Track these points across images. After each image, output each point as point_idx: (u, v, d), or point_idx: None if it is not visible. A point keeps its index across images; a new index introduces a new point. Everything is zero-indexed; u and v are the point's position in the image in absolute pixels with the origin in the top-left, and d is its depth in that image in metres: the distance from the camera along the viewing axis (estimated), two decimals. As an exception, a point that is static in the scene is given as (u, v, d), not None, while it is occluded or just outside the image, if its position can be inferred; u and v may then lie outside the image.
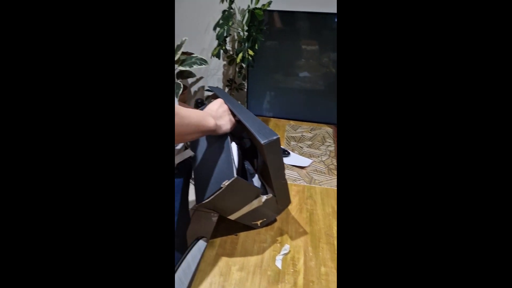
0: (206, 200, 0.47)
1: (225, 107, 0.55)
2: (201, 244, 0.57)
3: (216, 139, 0.56)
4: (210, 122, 0.49)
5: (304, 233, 0.60)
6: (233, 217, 0.54)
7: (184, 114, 0.42)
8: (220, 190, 0.45)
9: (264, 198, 0.51)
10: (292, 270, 0.53)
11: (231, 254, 0.55)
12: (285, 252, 0.55)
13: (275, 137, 0.45)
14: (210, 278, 0.51)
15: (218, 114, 0.53)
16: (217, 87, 0.67)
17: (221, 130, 0.53)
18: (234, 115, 0.57)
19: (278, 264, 0.53)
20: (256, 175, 0.60)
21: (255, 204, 0.51)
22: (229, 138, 0.54)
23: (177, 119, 0.39)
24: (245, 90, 1.33)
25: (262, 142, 0.44)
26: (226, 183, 0.44)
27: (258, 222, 0.58)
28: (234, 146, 0.54)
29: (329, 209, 0.66)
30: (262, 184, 0.58)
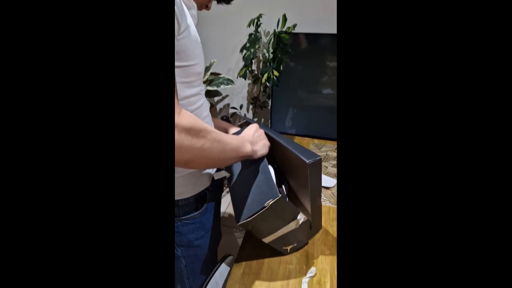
0: (247, 220, 0.48)
1: (261, 131, 0.57)
2: (228, 261, 0.59)
3: (252, 161, 0.58)
4: (247, 148, 0.50)
5: (331, 255, 0.60)
6: (267, 239, 0.55)
7: (227, 140, 0.44)
8: (263, 210, 0.46)
9: (301, 220, 0.51)
10: (318, 294, 0.52)
11: (257, 274, 0.56)
12: (311, 275, 0.55)
13: (318, 158, 0.46)
14: (237, 297, 0.52)
15: (254, 139, 0.54)
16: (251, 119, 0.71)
17: (257, 154, 0.54)
18: (269, 138, 0.59)
19: (304, 287, 0.53)
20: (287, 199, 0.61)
21: (292, 226, 0.52)
22: (266, 160, 0.56)
23: (220, 145, 0.41)
24: (269, 107, 1.37)
25: (307, 161, 0.45)
26: (270, 202, 0.45)
27: (288, 248, 0.58)
28: (271, 169, 0.57)
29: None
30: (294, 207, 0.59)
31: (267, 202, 0.45)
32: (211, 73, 1.34)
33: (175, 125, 0.33)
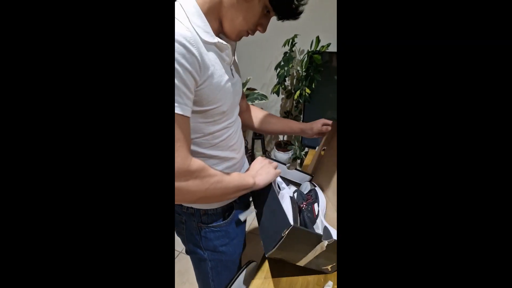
0: (271, 252, 0.53)
1: (265, 161, 0.61)
2: (251, 267, 0.64)
3: (265, 190, 0.61)
4: (249, 182, 0.54)
5: (349, 273, 0.62)
6: (301, 263, 0.58)
7: (228, 180, 0.49)
8: (282, 240, 0.50)
9: (326, 243, 0.52)
10: (334, 308, 0.55)
11: (277, 282, 0.60)
12: (328, 287, 0.58)
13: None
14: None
15: (257, 172, 0.58)
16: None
17: (260, 184, 0.57)
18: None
19: (321, 300, 0.56)
20: (320, 219, 0.63)
21: (318, 250, 0.53)
22: (273, 187, 0.60)
23: (222, 186, 0.46)
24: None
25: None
26: (285, 231, 0.48)
27: (329, 267, 0.60)
28: (286, 194, 0.61)
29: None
30: (326, 228, 0.60)
31: (283, 232, 0.49)
32: (247, 89, 1.43)
33: (184, 172, 0.39)
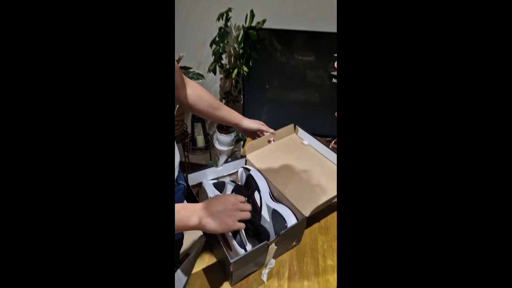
0: (232, 284, 0.55)
1: (231, 205, 0.50)
2: (191, 258, 0.60)
3: None
4: (189, 222, 0.46)
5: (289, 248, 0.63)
6: (265, 265, 0.59)
7: None
8: (232, 274, 0.51)
9: (273, 245, 0.53)
10: (276, 284, 0.56)
11: (219, 269, 0.58)
12: (271, 266, 0.58)
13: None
14: (199, 292, 0.54)
15: (211, 213, 0.48)
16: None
17: (208, 230, 0.48)
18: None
19: (264, 278, 0.56)
20: (264, 205, 0.62)
21: (272, 250, 0.54)
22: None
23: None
24: (242, 102, 1.37)
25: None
26: (230, 267, 0.49)
27: (294, 243, 0.63)
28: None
29: (315, 224, 0.69)
30: (276, 212, 0.61)
31: (229, 268, 0.50)
32: (181, 67, 1.31)
33: None
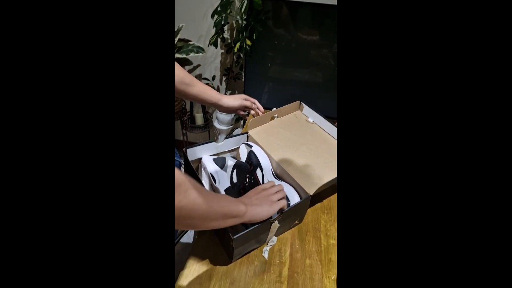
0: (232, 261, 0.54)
1: (265, 190, 0.49)
2: (191, 233, 0.59)
3: None
4: (238, 209, 0.43)
5: (292, 227, 0.62)
6: (267, 241, 0.57)
7: (211, 200, 0.38)
8: (234, 251, 0.50)
9: (276, 222, 0.51)
10: (278, 261, 0.55)
11: (219, 245, 0.57)
12: (272, 243, 0.57)
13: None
14: (198, 267, 0.53)
15: (251, 200, 0.46)
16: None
17: (253, 218, 0.46)
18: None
19: (265, 255, 0.55)
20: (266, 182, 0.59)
21: (274, 228, 0.53)
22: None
23: (201, 206, 0.36)
24: (243, 80, 1.32)
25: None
26: (232, 244, 0.48)
27: (296, 221, 0.61)
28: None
29: (318, 204, 0.68)
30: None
31: (232, 244, 0.48)
32: (180, 39, 1.24)
33: None
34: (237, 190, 0.58)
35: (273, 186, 0.51)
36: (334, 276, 0.52)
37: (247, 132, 0.72)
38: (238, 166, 0.63)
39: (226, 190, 0.57)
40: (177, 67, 0.58)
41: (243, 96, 0.68)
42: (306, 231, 0.61)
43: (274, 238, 0.58)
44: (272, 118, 0.76)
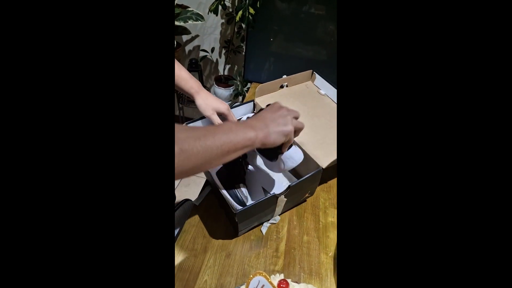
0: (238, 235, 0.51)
1: (279, 110, 0.41)
2: (187, 206, 0.57)
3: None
4: (246, 136, 0.36)
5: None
6: (276, 214, 0.55)
7: (213, 132, 0.33)
8: (238, 225, 0.48)
9: (282, 197, 0.49)
10: (275, 237, 0.54)
11: (216, 218, 0.55)
12: (274, 222, 0.55)
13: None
14: (194, 239, 0.51)
15: (263, 122, 0.39)
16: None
17: (267, 142, 0.38)
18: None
19: (263, 230, 0.54)
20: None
21: (281, 202, 0.50)
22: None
23: (205, 142, 0.31)
24: (243, 53, 1.26)
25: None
26: (235, 218, 0.46)
27: (307, 194, 0.59)
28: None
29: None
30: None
31: (235, 218, 0.46)
32: (177, 5, 1.16)
33: None
34: (231, 172, 0.53)
35: (282, 107, 0.42)
36: (331, 253, 0.52)
37: (253, 100, 0.67)
38: None
39: (217, 173, 0.52)
40: None
41: (220, 104, 0.57)
42: (305, 209, 0.59)
43: (277, 217, 0.56)
44: (281, 87, 0.71)
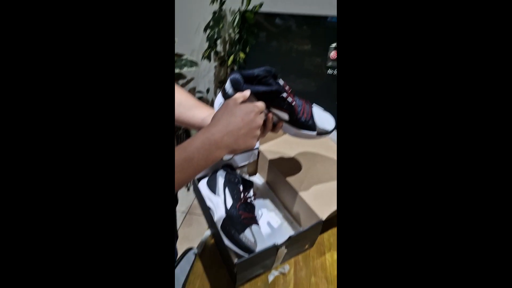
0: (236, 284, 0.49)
1: (247, 115, 0.38)
2: (190, 256, 0.56)
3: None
4: (212, 157, 0.36)
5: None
6: (275, 266, 0.53)
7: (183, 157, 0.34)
8: (236, 276, 0.46)
9: (283, 247, 0.48)
10: (282, 281, 0.52)
11: (221, 265, 0.54)
12: (283, 271, 0.54)
13: None
14: (199, 291, 0.50)
15: (227, 132, 0.37)
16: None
17: (237, 151, 0.39)
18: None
19: (270, 278, 0.53)
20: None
21: (281, 254, 0.50)
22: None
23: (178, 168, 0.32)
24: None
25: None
26: (234, 270, 0.44)
27: (306, 246, 0.57)
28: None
29: (320, 217, 0.66)
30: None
31: (234, 270, 0.45)
32: (173, 54, 1.24)
33: None
34: (237, 215, 0.52)
35: (237, 105, 0.39)
36: (341, 295, 0.50)
37: (257, 148, 0.68)
38: (228, 180, 0.57)
39: (222, 226, 0.51)
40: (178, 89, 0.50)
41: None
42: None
43: (286, 266, 0.55)
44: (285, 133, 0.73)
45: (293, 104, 0.46)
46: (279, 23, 1.15)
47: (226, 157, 0.61)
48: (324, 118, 0.51)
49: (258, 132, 0.40)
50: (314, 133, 0.50)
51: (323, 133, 0.50)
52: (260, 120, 0.40)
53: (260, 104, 0.41)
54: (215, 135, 0.37)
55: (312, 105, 0.51)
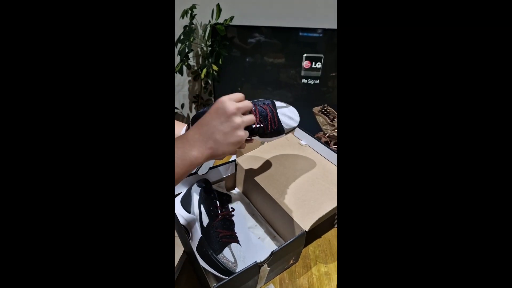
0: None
1: (231, 116, 0.35)
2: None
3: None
4: (188, 155, 0.33)
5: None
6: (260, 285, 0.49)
7: None
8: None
9: (265, 266, 0.44)
10: (268, 304, 0.48)
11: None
12: None
13: None
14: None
15: (209, 134, 0.35)
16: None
17: (216, 156, 0.36)
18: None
19: (253, 298, 0.48)
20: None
21: (263, 274, 0.46)
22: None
23: None
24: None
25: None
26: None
27: (291, 261, 0.53)
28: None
29: (304, 228, 0.63)
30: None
31: None
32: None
33: None
34: (214, 233, 0.48)
35: (227, 108, 0.35)
36: (331, 312, 0.47)
37: (234, 160, 0.65)
38: (203, 196, 0.53)
39: (197, 248, 0.47)
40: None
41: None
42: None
43: (271, 286, 0.50)
44: (262, 143, 0.70)
45: (261, 126, 0.45)
46: (252, 35, 1.16)
47: (202, 171, 0.57)
48: (288, 118, 0.50)
49: (241, 132, 0.37)
50: (283, 135, 0.51)
51: (290, 130, 0.52)
52: (238, 119, 0.36)
53: (247, 106, 0.39)
54: (189, 133, 0.36)
55: (275, 106, 0.49)
